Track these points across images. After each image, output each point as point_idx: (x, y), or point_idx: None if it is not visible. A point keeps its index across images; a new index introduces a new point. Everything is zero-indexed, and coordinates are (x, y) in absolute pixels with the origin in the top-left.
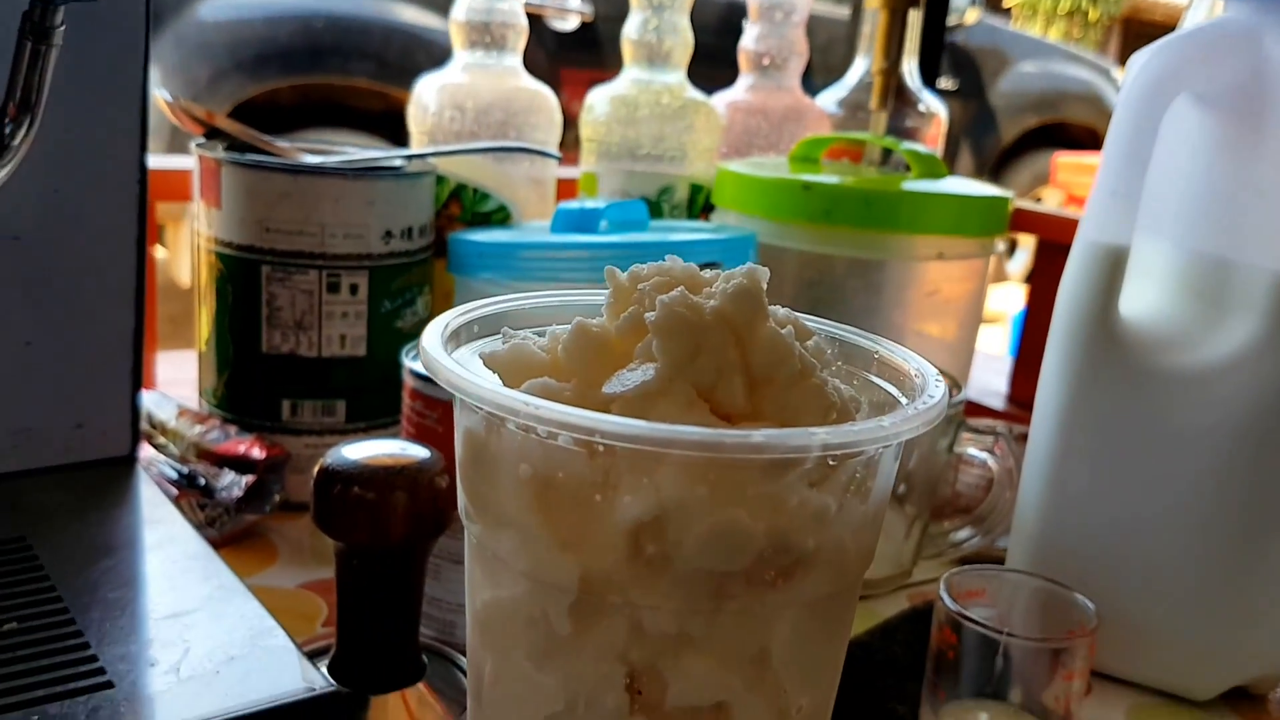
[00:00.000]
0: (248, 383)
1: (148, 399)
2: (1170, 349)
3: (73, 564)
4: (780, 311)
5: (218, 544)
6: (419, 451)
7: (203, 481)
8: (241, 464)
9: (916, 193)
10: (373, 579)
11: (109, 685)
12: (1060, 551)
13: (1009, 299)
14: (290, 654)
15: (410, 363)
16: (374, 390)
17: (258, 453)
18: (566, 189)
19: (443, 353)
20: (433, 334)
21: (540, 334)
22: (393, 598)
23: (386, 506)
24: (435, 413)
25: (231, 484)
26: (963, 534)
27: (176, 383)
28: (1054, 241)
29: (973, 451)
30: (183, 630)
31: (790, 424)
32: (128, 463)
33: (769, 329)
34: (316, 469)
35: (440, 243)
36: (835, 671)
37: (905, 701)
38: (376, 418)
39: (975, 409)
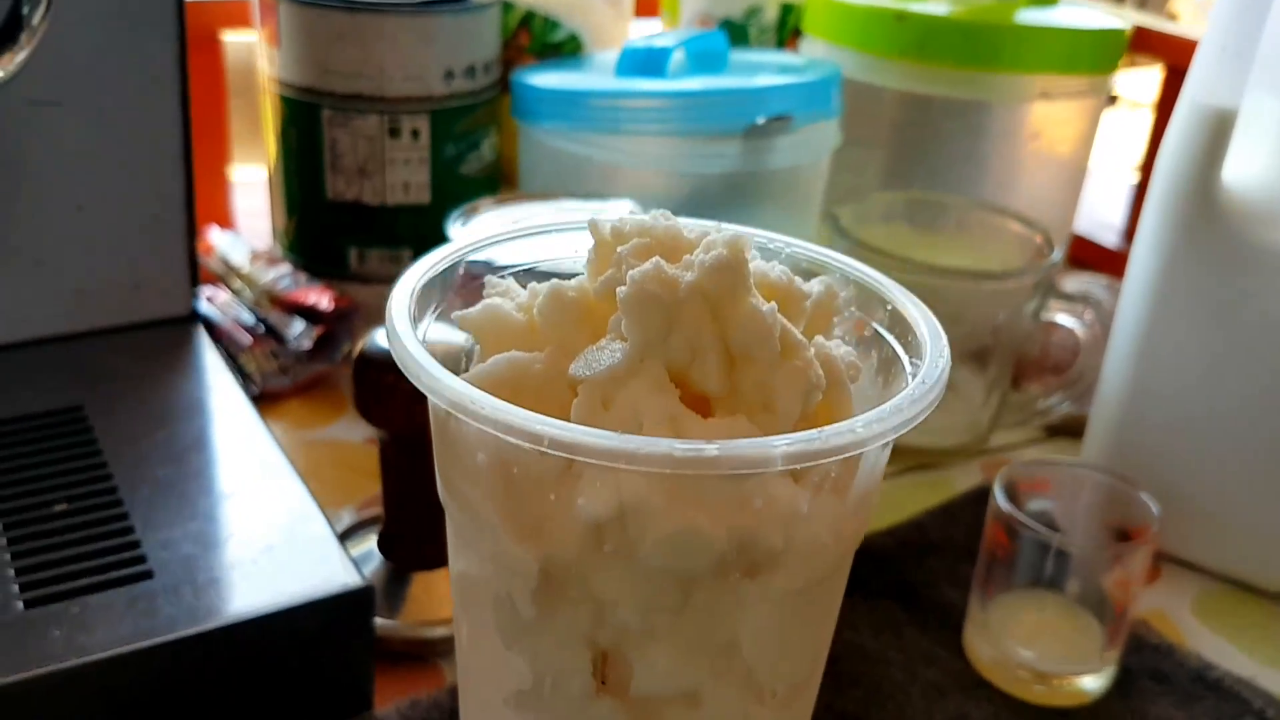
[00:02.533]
0: (315, 229)
1: (222, 241)
2: (1273, 221)
3: (126, 436)
4: (774, 272)
5: (290, 393)
6: (458, 339)
7: (275, 330)
8: (311, 314)
9: (1020, 26)
10: (412, 465)
11: (149, 575)
12: (1141, 427)
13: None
14: (328, 543)
15: (452, 233)
16: (442, 238)
17: (326, 304)
18: (647, 5)
19: (405, 317)
20: (402, 291)
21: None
22: (431, 480)
23: (422, 395)
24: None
25: (302, 334)
26: (1048, 401)
27: (253, 214)
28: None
29: (1061, 319)
30: (226, 515)
31: (770, 406)
32: (187, 321)
33: (749, 306)
34: (355, 354)
35: (507, 79)
36: (818, 653)
37: (958, 585)
38: None
39: (1085, 246)
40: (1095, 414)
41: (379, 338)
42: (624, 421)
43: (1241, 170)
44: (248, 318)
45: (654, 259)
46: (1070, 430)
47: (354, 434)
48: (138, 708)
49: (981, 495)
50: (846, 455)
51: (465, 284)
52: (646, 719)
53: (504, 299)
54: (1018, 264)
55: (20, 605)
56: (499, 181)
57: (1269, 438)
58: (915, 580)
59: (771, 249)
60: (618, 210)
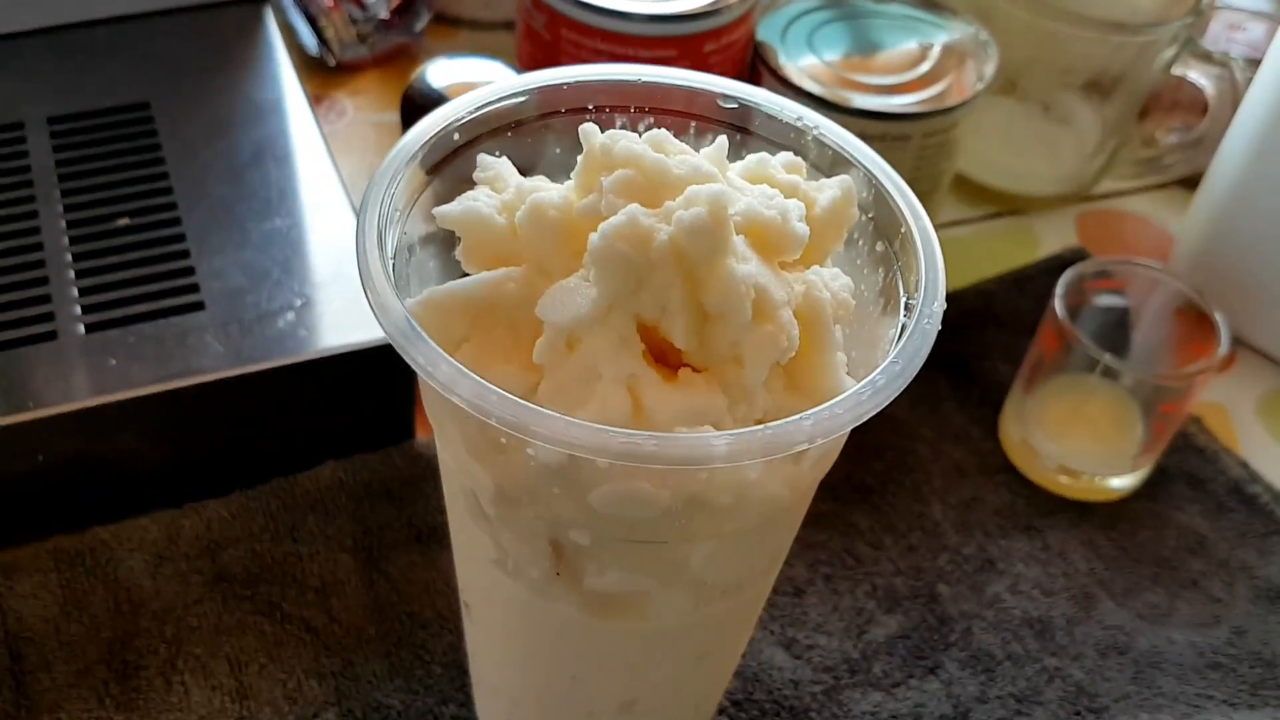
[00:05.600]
0: None
1: None
2: None
3: (189, 142)
4: (781, 176)
5: (367, 64)
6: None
7: None
8: None
9: None
10: None
11: (200, 307)
12: (1247, 210)
13: None
14: None
15: None
16: None
17: None
18: None
19: (372, 241)
20: (374, 197)
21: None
22: None
23: None
24: (542, 15)
25: (380, 2)
26: (1165, 159)
27: None
28: None
29: (1194, 76)
30: (278, 246)
31: (740, 360)
32: (257, 3)
33: (724, 270)
34: (404, 91)
35: None
36: (776, 558)
37: (1012, 361)
38: None
39: None
40: (1202, 192)
41: (430, 74)
42: (584, 369)
43: None
44: None
45: (630, 209)
46: (1191, 183)
47: None
48: (183, 438)
49: (1064, 264)
50: (793, 450)
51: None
52: (600, 602)
53: (488, 192)
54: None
55: (81, 329)
56: None
57: None
58: (968, 353)
59: (800, 127)
60: None
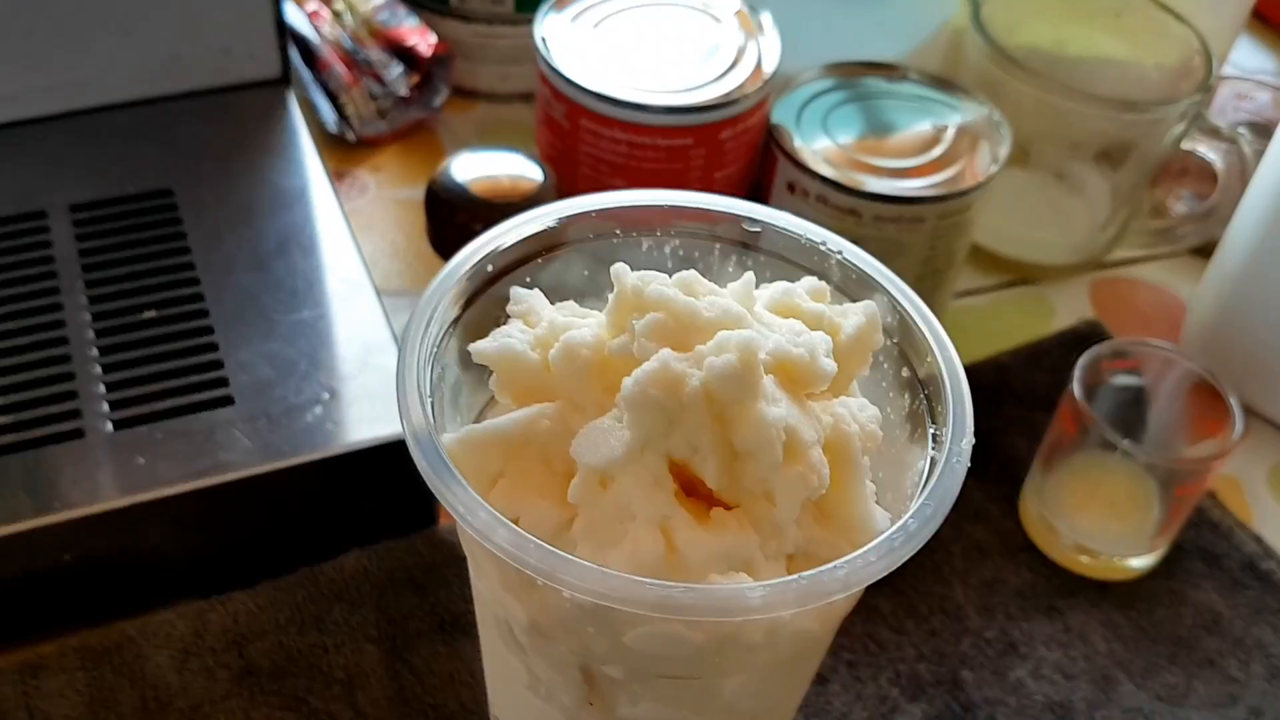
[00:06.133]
0: None
1: None
2: None
3: (214, 229)
4: (807, 305)
5: (386, 140)
6: (533, 174)
7: (374, 69)
8: (409, 57)
9: None
10: None
11: (228, 401)
12: (1259, 282)
13: None
14: None
15: (540, 28)
16: None
17: (424, 48)
18: None
19: (412, 384)
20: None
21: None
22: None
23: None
24: (561, 105)
25: (399, 79)
26: (1178, 230)
27: None
28: None
29: (1203, 150)
30: (305, 338)
31: (771, 497)
32: (279, 85)
33: (755, 413)
34: (428, 186)
35: None
36: (805, 686)
37: (1030, 437)
38: None
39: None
40: (1214, 266)
41: (455, 168)
42: (618, 508)
43: None
44: (349, 47)
45: (662, 355)
46: (1202, 250)
47: None
48: (211, 532)
49: (1079, 337)
50: (827, 600)
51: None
52: None
53: (521, 327)
54: (1175, 65)
55: (109, 426)
56: None
57: None
58: (986, 428)
59: (824, 250)
60: (726, 6)
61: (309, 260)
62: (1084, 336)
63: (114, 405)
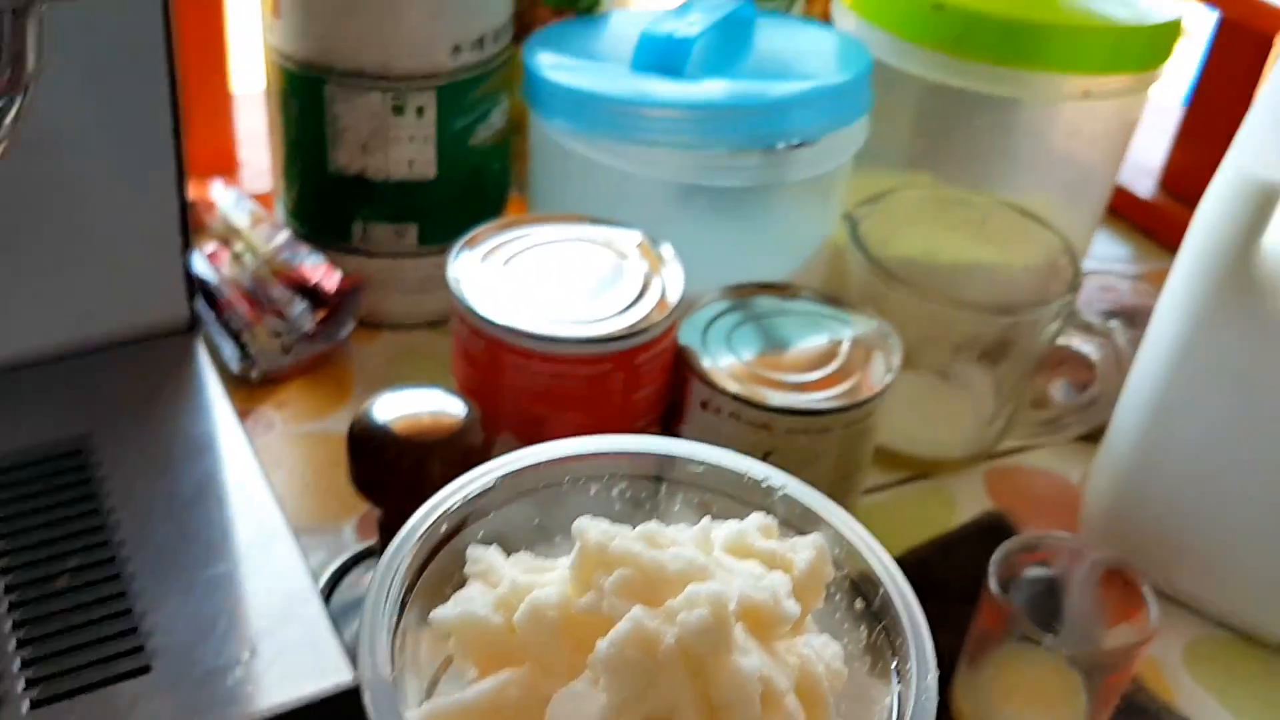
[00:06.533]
0: (317, 201)
1: (224, 199)
2: None
3: (127, 483)
4: (759, 543)
5: (291, 375)
6: (455, 409)
7: (276, 304)
8: (314, 294)
9: (1065, 23)
10: None
11: (146, 670)
12: (1151, 474)
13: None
14: (320, 630)
15: (453, 269)
16: (447, 211)
17: (329, 284)
18: None
19: (382, 668)
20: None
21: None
22: None
23: (421, 473)
24: (480, 342)
25: (304, 315)
26: (1062, 420)
27: (253, 141)
28: (1240, 24)
29: (1078, 344)
30: (222, 594)
31: None
32: (187, 333)
33: (732, 666)
34: (350, 428)
35: (523, 30)
36: None
37: (952, 631)
38: (450, 239)
39: (1121, 197)
40: (1103, 454)
41: (376, 409)
42: None
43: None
44: (250, 287)
45: (634, 615)
46: (1085, 435)
47: None
48: None
49: (983, 528)
50: None
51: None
52: None
53: (482, 588)
54: (1042, 265)
55: (27, 705)
56: (509, 144)
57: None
58: None
59: (765, 488)
60: (628, 241)
61: (224, 510)
62: (988, 527)
63: (30, 683)
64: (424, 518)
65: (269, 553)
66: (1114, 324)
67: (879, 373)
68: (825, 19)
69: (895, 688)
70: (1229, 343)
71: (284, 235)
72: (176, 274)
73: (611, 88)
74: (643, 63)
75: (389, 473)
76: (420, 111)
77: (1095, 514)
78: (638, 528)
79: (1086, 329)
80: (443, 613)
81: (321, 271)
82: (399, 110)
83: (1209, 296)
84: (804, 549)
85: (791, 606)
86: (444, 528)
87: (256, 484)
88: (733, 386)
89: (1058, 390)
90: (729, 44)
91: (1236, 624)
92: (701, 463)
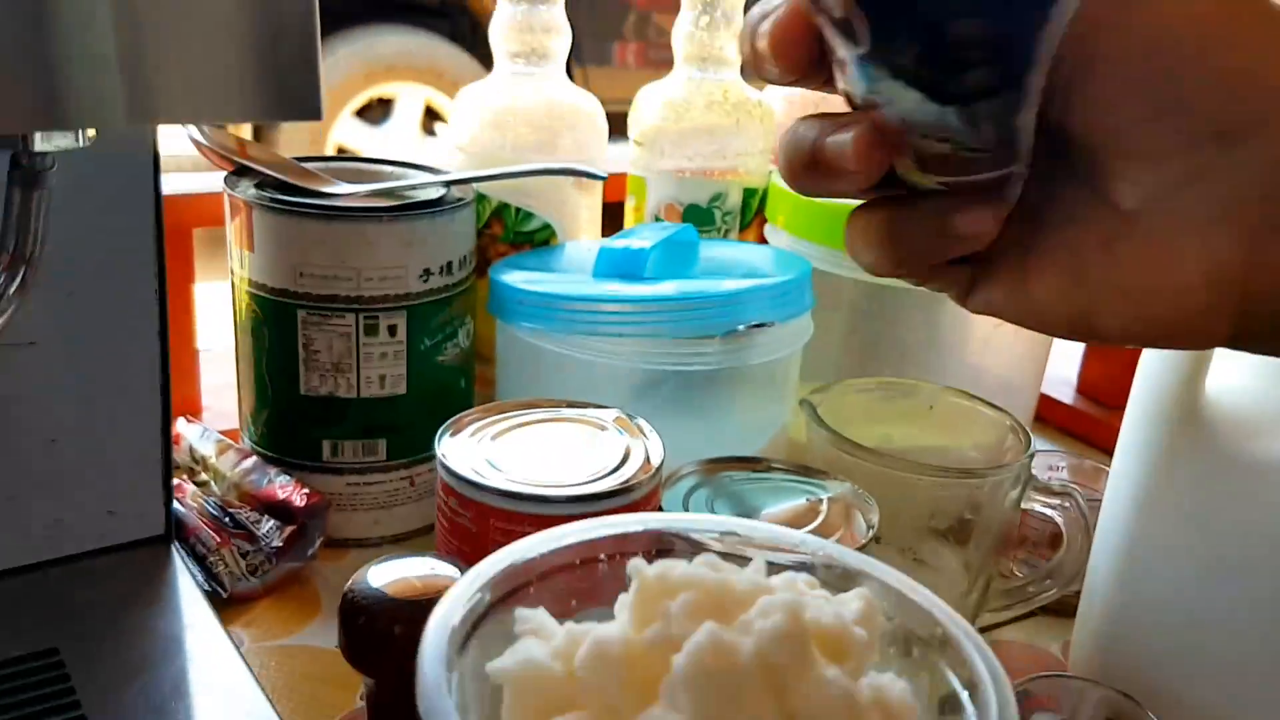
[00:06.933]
0: (287, 423)
1: (190, 433)
2: (1261, 433)
3: (103, 687)
4: (826, 621)
5: (260, 595)
6: (448, 571)
7: (244, 526)
8: (282, 511)
9: None
10: (409, 713)
11: None
12: (1129, 631)
13: None
14: None
15: (441, 447)
16: (416, 426)
17: (298, 500)
18: (616, 185)
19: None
20: (434, 653)
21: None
22: None
23: (417, 638)
24: (469, 512)
25: (271, 532)
26: (1029, 589)
27: (218, 391)
28: None
29: (1040, 508)
30: None
31: None
32: (162, 542)
33: (816, 677)
34: (343, 597)
35: (482, 265)
36: None
37: None
38: (420, 453)
39: (1045, 403)
40: (1082, 614)
41: (370, 576)
42: None
43: (1224, 381)
44: (216, 513)
45: (709, 627)
46: (1059, 611)
47: (328, 640)
48: None
49: None
50: None
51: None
52: None
53: (538, 641)
54: (992, 443)
55: None
56: (473, 366)
57: (1262, 647)
58: None
59: (801, 551)
60: (606, 416)
61: (210, 698)
62: None
63: None
64: (469, 584)
65: None
66: (1072, 488)
67: (861, 528)
68: (761, 242)
69: (970, 712)
70: (1185, 487)
71: (251, 460)
72: (155, 482)
73: (578, 290)
74: (603, 271)
75: (383, 639)
76: (392, 331)
77: (1084, 670)
78: (695, 558)
79: (1047, 491)
80: (501, 664)
81: (290, 489)
82: (371, 330)
83: (1160, 441)
84: (853, 599)
85: (860, 632)
86: (486, 597)
87: (241, 675)
88: (718, 547)
89: (1021, 565)
90: (678, 257)
91: None
92: (733, 535)
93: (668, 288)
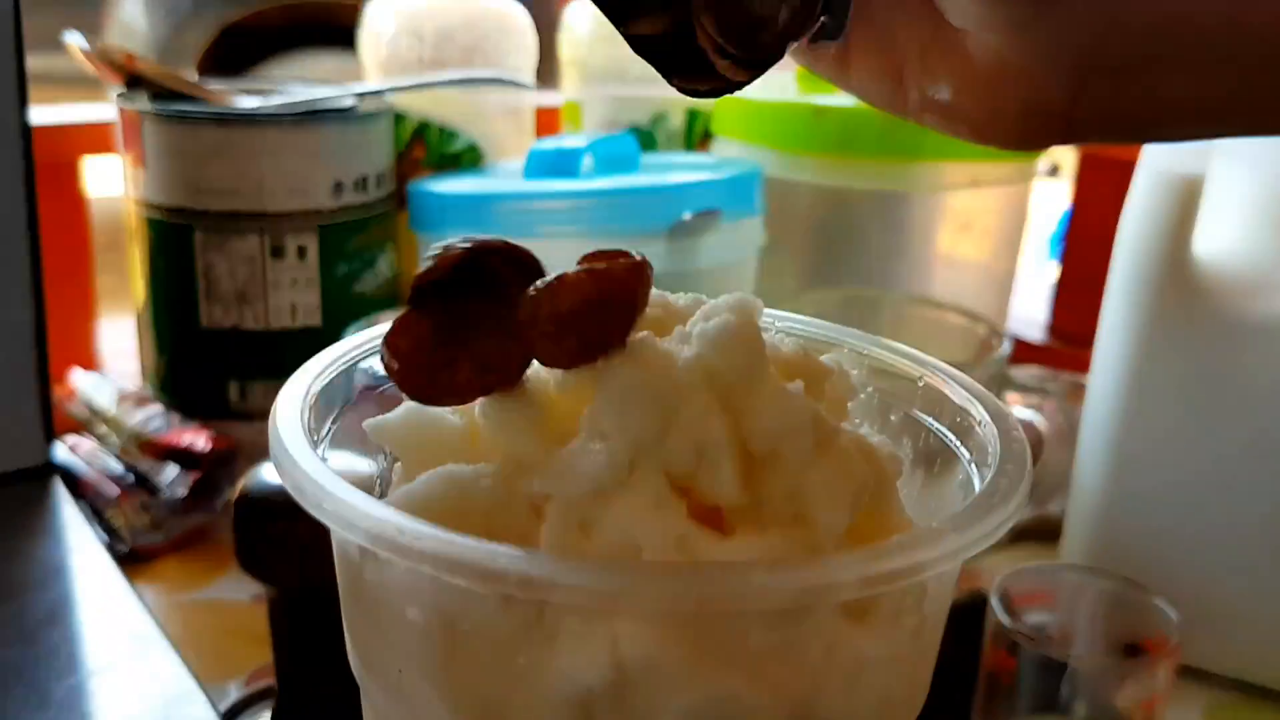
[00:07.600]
0: (189, 363)
1: (85, 383)
2: (1253, 293)
3: None
4: (785, 345)
5: (164, 550)
6: (359, 464)
7: (146, 479)
8: (186, 457)
9: None
10: (312, 628)
11: None
12: (1124, 522)
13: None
14: None
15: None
16: None
17: (202, 444)
18: (547, 120)
19: (297, 431)
20: (289, 400)
21: None
22: (336, 645)
23: (315, 543)
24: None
25: (175, 481)
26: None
27: (122, 354)
28: (1100, 155)
29: (1019, 411)
30: (86, 701)
31: (804, 517)
32: (44, 472)
33: (773, 387)
34: (236, 494)
35: (403, 192)
36: None
37: (951, 713)
38: None
39: (1017, 345)
40: (1071, 513)
41: (264, 473)
42: (613, 550)
43: (1212, 239)
44: (115, 467)
45: (641, 335)
46: (1037, 534)
47: (240, 593)
48: None
49: (966, 609)
50: (939, 570)
51: (365, 396)
52: None
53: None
54: (965, 358)
55: None
56: (399, 301)
57: (1271, 520)
58: None
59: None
60: None
61: (87, 623)
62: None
63: None
64: (349, 345)
65: (144, 662)
66: (1051, 383)
67: None
68: None
69: (968, 470)
70: (1176, 354)
71: (152, 408)
72: (32, 407)
73: (509, 189)
74: (535, 170)
75: (281, 542)
76: (302, 252)
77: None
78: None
79: (1024, 390)
80: (382, 421)
81: (193, 435)
82: (278, 252)
83: (1149, 308)
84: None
85: (832, 363)
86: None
87: (125, 601)
88: None
89: None
90: (616, 161)
91: (1252, 679)
92: None
93: (606, 183)
